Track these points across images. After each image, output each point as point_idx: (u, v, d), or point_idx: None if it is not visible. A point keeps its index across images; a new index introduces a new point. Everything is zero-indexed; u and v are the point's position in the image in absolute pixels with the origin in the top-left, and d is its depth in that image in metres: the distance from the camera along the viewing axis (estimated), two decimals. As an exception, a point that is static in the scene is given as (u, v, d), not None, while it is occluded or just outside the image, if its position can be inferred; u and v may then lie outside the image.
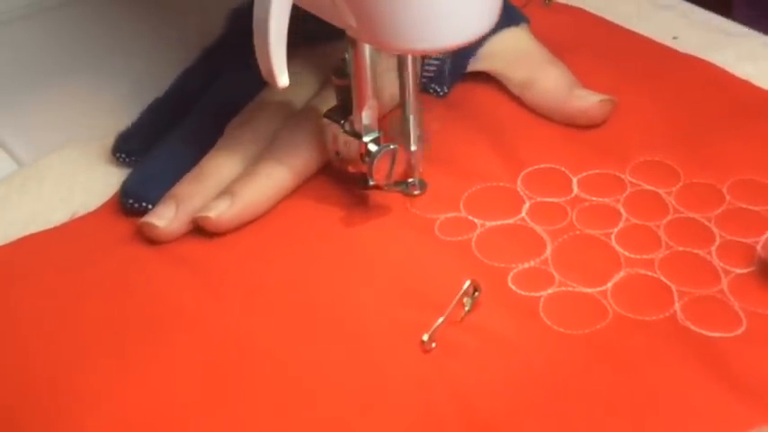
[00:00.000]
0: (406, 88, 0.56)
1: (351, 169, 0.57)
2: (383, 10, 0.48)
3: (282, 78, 0.51)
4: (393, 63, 0.57)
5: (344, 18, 0.50)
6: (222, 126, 0.59)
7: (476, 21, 0.50)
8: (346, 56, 0.53)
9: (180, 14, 0.73)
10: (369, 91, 0.54)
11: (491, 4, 0.50)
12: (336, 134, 0.56)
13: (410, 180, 0.58)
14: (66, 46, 0.72)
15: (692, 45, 0.68)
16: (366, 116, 0.55)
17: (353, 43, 0.52)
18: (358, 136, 0.55)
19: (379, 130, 0.55)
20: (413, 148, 0.58)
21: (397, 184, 0.57)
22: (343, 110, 0.56)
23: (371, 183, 0.55)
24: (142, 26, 0.72)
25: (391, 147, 0.55)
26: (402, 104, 0.57)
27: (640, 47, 0.68)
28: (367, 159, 0.55)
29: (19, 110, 0.66)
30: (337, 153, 0.57)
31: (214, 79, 0.62)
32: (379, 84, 0.55)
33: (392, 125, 0.58)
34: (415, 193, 0.58)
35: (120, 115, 0.62)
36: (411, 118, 0.57)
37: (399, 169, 0.56)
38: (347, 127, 0.56)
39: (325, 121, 0.57)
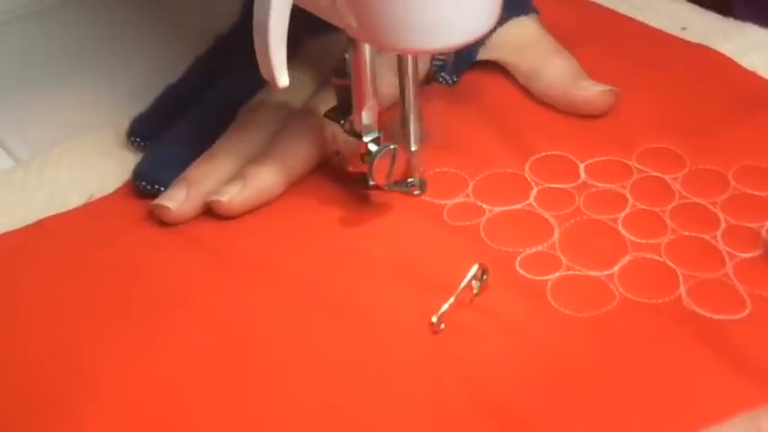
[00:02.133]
0: (407, 88, 0.57)
1: (351, 169, 0.57)
2: (383, 10, 0.48)
3: (282, 78, 0.51)
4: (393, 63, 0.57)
5: (344, 18, 0.50)
6: (235, 111, 0.60)
7: (475, 21, 0.50)
8: (346, 56, 0.54)
9: (179, 14, 0.74)
10: (369, 91, 0.54)
11: (491, 4, 0.51)
12: (336, 134, 0.57)
13: (410, 180, 0.58)
14: (65, 46, 0.72)
15: (701, 35, 0.68)
16: (366, 116, 0.55)
17: (353, 43, 0.52)
18: (358, 136, 0.55)
19: (379, 130, 0.56)
20: (413, 148, 0.58)
21: (397, 183, 0.57)
22: (343, 110, 0.56)
23: (371, 183, 0.56)
24: (141, 26, 0.72)
25: (391, 147, 0.55)
26: (402, 104, 0.57)
27: (648, 37, 0.69)
28: (367, 159, 0.55)
29: (18, 109, 0.66)
30: (337, 153, 0.58)
31: (227, 65, 0.63)
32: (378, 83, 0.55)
33: (392, 125, 0.58)
34: (416, 192, 0.58)
35: (120, 114, 0.63)
36: (411, 118, 0.57)
37: (399, 169, 0.56)
38: (347, 127, 0.56)
39: (326, 120, 0.57)
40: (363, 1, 0.49)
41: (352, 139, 0.56)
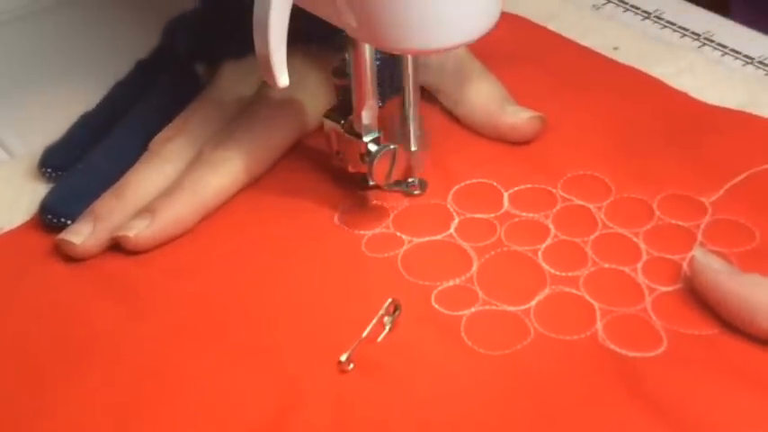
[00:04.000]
0: (406, 88, 0.56)
1: (351, 169, 0.57)
2: (383, 10, 0.48)
3: (282, 78, 0.50)
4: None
5: (344, 18, 0.49)
6: (148, 141, 0.58)
7: (475, 21, 0.50)
8: (346, 56, 0.53)
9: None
10: (369, 91, 0.54)
11: (491, 4, 0.50)
12: (336, 134, 0.56)
13: (410, 180, 0.58)
14: (63, 46, 0.72)
15: (633, 56, 0.67)
16: (366, 116, 0.55)
17: (353, 43, 0.52)
18: (358, 136, 0.55)
19: (379, 130, 0.55)
20: (413, 148, 0.58)
21: (397, 183, 0.57)
22: (343, 110, 0.56)
23: (371, 183, 0.55)
24: (138, 26, 0.71)
25: (391, 147, 0.55)
26: (402, 104, 0.57)
27: (579, 57, 0.67)
28: (367, 159, 0.55)
29: (17, 110, 0.66)
30: (337, 153, 0.57)
31: (145, 93, 0.62)
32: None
33: (392, 125, 0.58)
34: (416, 192, 0.58)
35: None
36: (411, 118, 0.57)
37: (399, 169, 0.56)
38: (347, 127, 0.56)
39: (326, 121, 0.56)
40: (363, 1, 0.48)
41: (352, 139, 0.55)
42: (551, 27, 0.70)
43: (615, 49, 0.68)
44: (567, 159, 0.60)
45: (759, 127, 0.60)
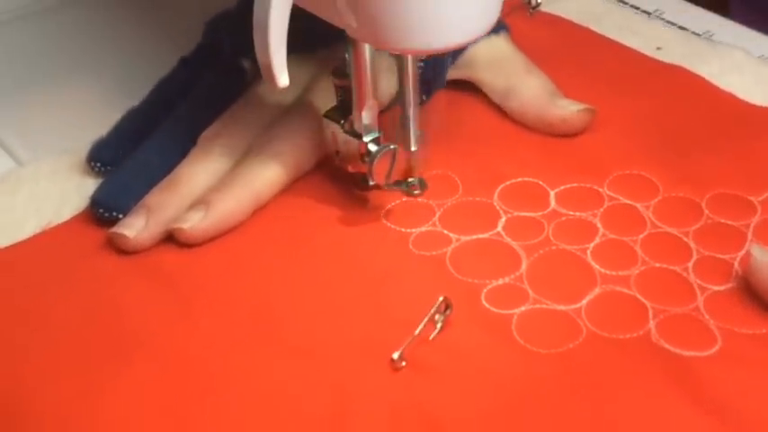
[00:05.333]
0: (407, 88, 0.56)
1: (351, 169, 0.57)
2: (383, 10, 0.48)
3: (282, 78, 0.50)
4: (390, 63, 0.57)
5: (344, 18, 0.49)
6: (196, 136, 0.58)
7: (476, 21, 0.50)
8: (346, 56, 0.53)
9: (179, 15, 0.73)
10: (369, 91, 0.54)
11: (491, 5, 0.50)
12: (336, 134, 0.56)
13: (410, 180, 0.58)
14: (65, 46, 0.71)
15: (677, 56, 0.67)
16: (366, 116, 0.54)
17: (353, 43, 0.52)
18: (358, 136, 0.55)
19: (379, 130, 0.55)
20: (413, 148, 0.58)
21: (397, 183, 0.57)
22: (343, 110, 0.56)
23: (371, 183, 0.55)
24: (140, 26, 0.72)
25: (391, 147, 0.55)
26: (402, 104, 0.57)
27: (623, 57, 0.67)
28: (367, 159, 0.55)
29: (18, 110, 0.66)
30: (337, 153, 0.57)
31: (190, 89, 0.62)
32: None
33: (392, 125, 0.58)
34: (415, 192, 0.58)
35: (119, 116, 0.61)
36: (411, 118, 0.57)
37: (399, 169, 0.56)
38: (347, 127, 0.55)
39: (326, 121, 0.56)
40: (363, 1, 0.48)
41: (352, 139, 0.55)
42: (593, 28, 0.70)
43: (658, 49, 0.68)
44: (612, 158, 0.59)
45: (805, 127, 0.60)
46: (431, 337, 0.50)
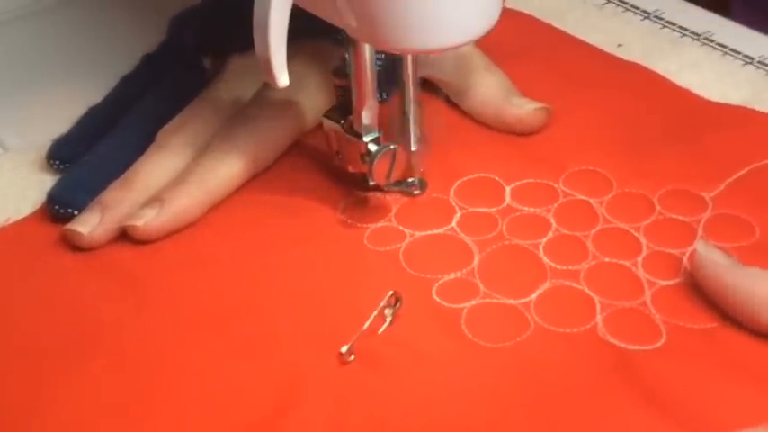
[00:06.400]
0: (407, 88, 0.56)
1: (351, 169, 0.57)
2: (383, 10, 0.48)
3: (282, 78, 0.51)
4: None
5: (344, 18, 0.50)
6: (155, 133, 0.58)
7: (476, 21, 0.50)
8: (346, 56, 0.53)
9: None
10: (369, 91, 0.54)
11: (491, 5, 0.50)
12: (336, 134, 0.56)
13: (410, 180, 0.58)
14: (64, 46, 0.72)
15: (637, 52, 0.67)
16: (366, 116, 0.55)
17: (353, 43, 0.52)
18: (358, 136, 0.55)
19: (379, 130, 0.56)
20: (413, 148, 0.58)
21: (397, 183, 0.57)
22: (343, 110, 0.56)
23: (371, 183, 0.56)
24: (139, 26, 0.71)
25: (391, 147, 0.55)
26: (402, 104, 0.57)
27: (584, 54, 0.68)
28: (367, 159, 0.55)
29: (18, 110, 0.66)
30: (337, 153, 0.57)
31: (152, 86, 0.62)
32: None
33: (392, 125, 0.58)
34: (416, 192, 0.58)
35: None
36: (411, 118, 0.57)
37: (399, 169, 0.56)
38: (347, 127, 0.56)
39: (326, 121, 0.57)
40: (363, 1, 0.48)
41: (352, 139, 0.56)
42: (556, 24, 0.71)
43: (619, 46, 0.68)
44: (568, 154, 0.60)
45: (760, 122, 0.60)
46: (380, 331, 0.50)
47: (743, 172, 0.57)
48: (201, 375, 0.49)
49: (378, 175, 0.55)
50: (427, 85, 0.63)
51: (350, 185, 0.58)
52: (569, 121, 0.62)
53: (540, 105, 0.61)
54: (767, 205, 0.55)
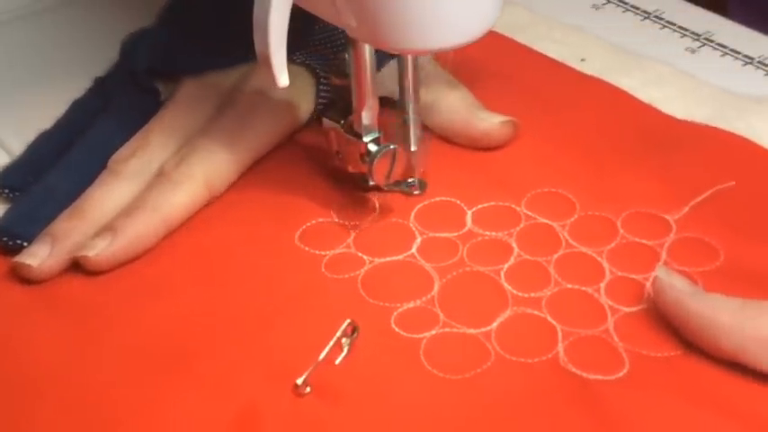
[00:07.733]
0: (407, 88, 0.56)
1: (351, 169, 0.56)
2: (383, 10, 0.48)
3: (282, 78, 0.50)
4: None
5: (344, 18, 0.49)
6: (107, 159, 0.57)
7: (476, 21, 0.50)
8: (346, 56, 0.53)
9: None
10: (369, 91, 0.54)
11: (491, 4, 0.50)
12: (336, 134, 0.56)
13: (410, 180, 0.58)
14: (64, 46, 0.71)
15: (600, 67, 0.66)
16: (366, 116, 0.54)
17: (353, 43, 0.52)
18: (358, 136, 0.55)
19: (379, 130, 0.55)
20: (413, 148, 0.57)
21: (397, 183, 0.56)
22: (343, 110, 0.55)
23: (371, 183, 0.55)
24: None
25: (391, 147, 0.55)
26: (402, 105, 0.57)
27: (546, 69, 0.67)
28: (367, 159, 0.54)
29: (18, 109, 0.65)
30: (337, 153, 0.57)
31: (104, 110, 0.61)
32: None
33: (392, 125, 0.57)
34: (416, 192, 0.58)
35: None
36: (411, 118, 0.57)
37: (399, 169, 0.56)
38: (347, 127, 0.55)
39: (326, 121, 0.56)
40: (363, 1, 0.48)
41: (352, 139, 0.55)
42: (518, 39, 0.70)
43: (582, 60, 0.67)
44: (531, 176, 0.59)
45: (724, 142, 0.60)
46: (337, 362, 0.49)
47: (707, 194, 0.56)
48: (154, 411, 0.48)
49: (378, 175, 0.55)
50: (390, 104, 0.62)
51: (306, 204, 0.57)
52: (531, 142, 0.61)
53: (506, 118, 0.60)
54: (731, 228, 0.54)
